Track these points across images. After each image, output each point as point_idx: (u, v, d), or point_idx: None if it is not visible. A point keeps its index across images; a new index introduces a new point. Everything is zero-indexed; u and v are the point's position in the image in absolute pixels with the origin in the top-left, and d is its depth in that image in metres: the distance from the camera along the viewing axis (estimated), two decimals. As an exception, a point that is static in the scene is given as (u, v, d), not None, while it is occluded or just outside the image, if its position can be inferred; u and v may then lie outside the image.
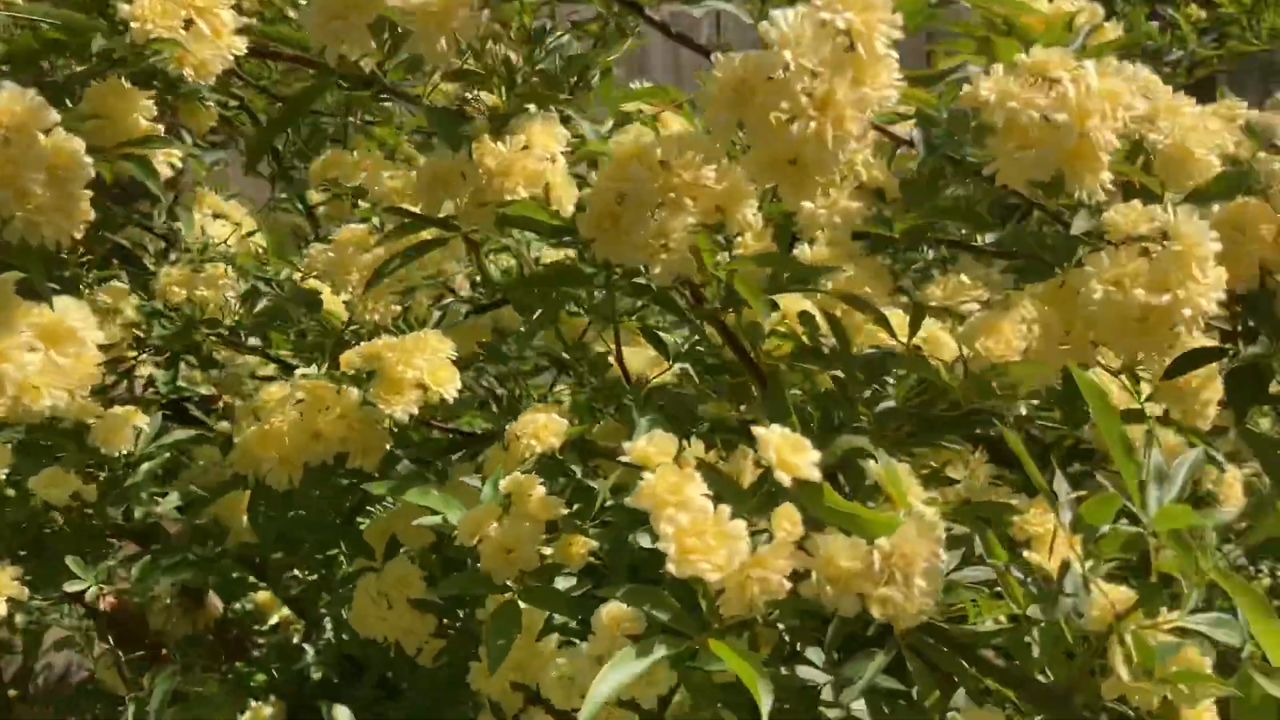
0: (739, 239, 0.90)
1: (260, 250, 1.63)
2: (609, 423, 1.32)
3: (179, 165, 1.01)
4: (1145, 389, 1.17)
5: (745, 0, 0.82)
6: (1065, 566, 0.80)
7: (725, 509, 0.74)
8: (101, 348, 1.05)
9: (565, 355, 1.37)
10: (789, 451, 0.76)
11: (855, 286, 1.12)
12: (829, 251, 1.15)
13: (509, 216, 0.90)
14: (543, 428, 1.20)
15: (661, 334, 1.11)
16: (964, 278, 0.95)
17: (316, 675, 2.18)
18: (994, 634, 0.83)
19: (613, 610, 0.87)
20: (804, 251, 1.14)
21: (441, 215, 0.96)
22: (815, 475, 0.77)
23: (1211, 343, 1.06)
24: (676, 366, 1.28)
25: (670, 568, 0.72)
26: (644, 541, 1.00)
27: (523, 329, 1.42)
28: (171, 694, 1.20)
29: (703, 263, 0.84)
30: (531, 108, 0.96)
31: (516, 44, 0.97)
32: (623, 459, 0.78)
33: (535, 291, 0.96)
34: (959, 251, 1.32)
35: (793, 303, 1.02)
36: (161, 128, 0.96)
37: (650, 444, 0.78)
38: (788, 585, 0.76)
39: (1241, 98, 1.07)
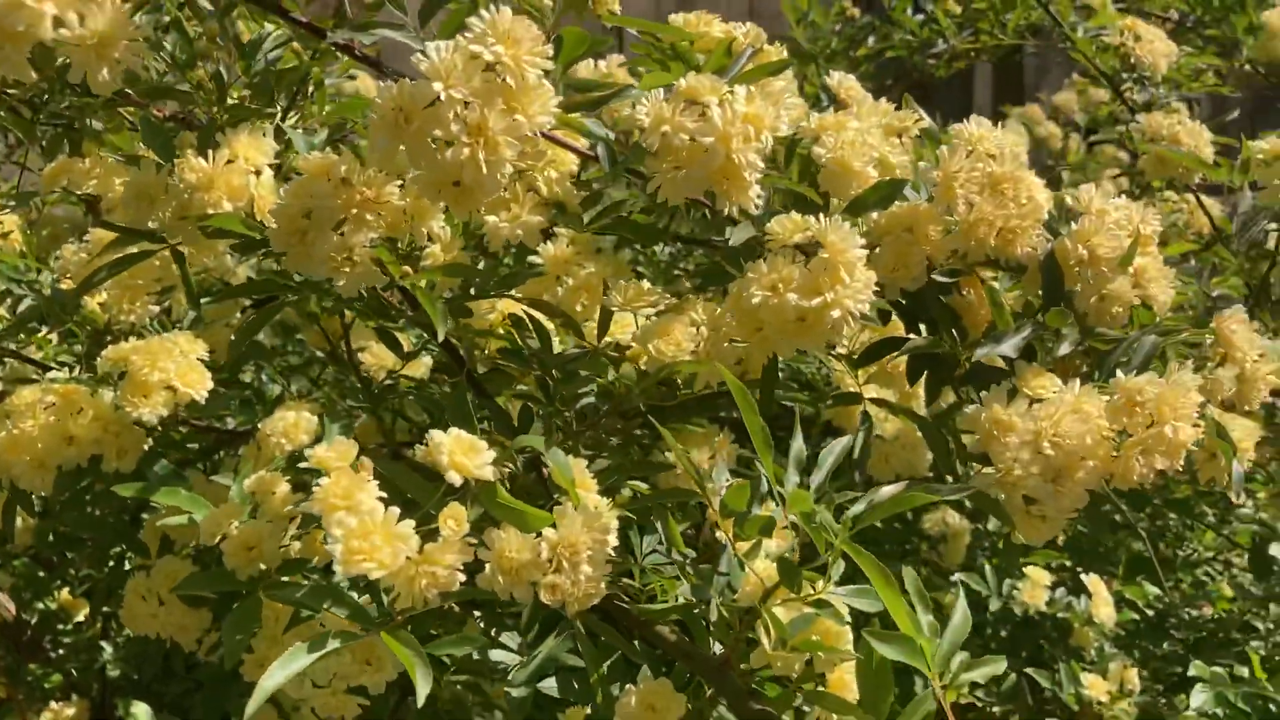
0: (429, 250, 0.95)
1: (19, 248, 1.60)
2: (367, 420, 1.36)
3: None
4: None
5: (415, 30, 0.86)
6: (720, 547, 0.88)
7: (395, 511, 0.80)
8: None
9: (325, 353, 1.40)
10: (461, 453, 0.82)
11: (596, 281, 1.19)
12: (570, 251, 1.21)
13: (211, 229, 0.92)
14: (293, 426, 1.23)
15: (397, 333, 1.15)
16: (645, 284, 1.02)
17: (114, 673, 2.16)
18: (668, 611, 0.90)
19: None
20: (546, 249, 1.20)
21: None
22: (488, 475, 0.82)
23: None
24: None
25: (337, 569, 0.77)
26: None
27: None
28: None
29: (390, 274, 0.89)
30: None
31: (227, 58, 0.99)
32: (301, 464, 0.82)
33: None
34: (695, 246, 1.40)
35: (509, 305, 1.08)
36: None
37: (330, 450, 0.83)
38: (461, 578, 0.82)
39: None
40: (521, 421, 0.98)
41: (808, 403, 1.54)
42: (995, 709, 1.81)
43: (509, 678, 0.89)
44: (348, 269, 0.87)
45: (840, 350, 1.31)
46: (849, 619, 0.88)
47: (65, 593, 2.23)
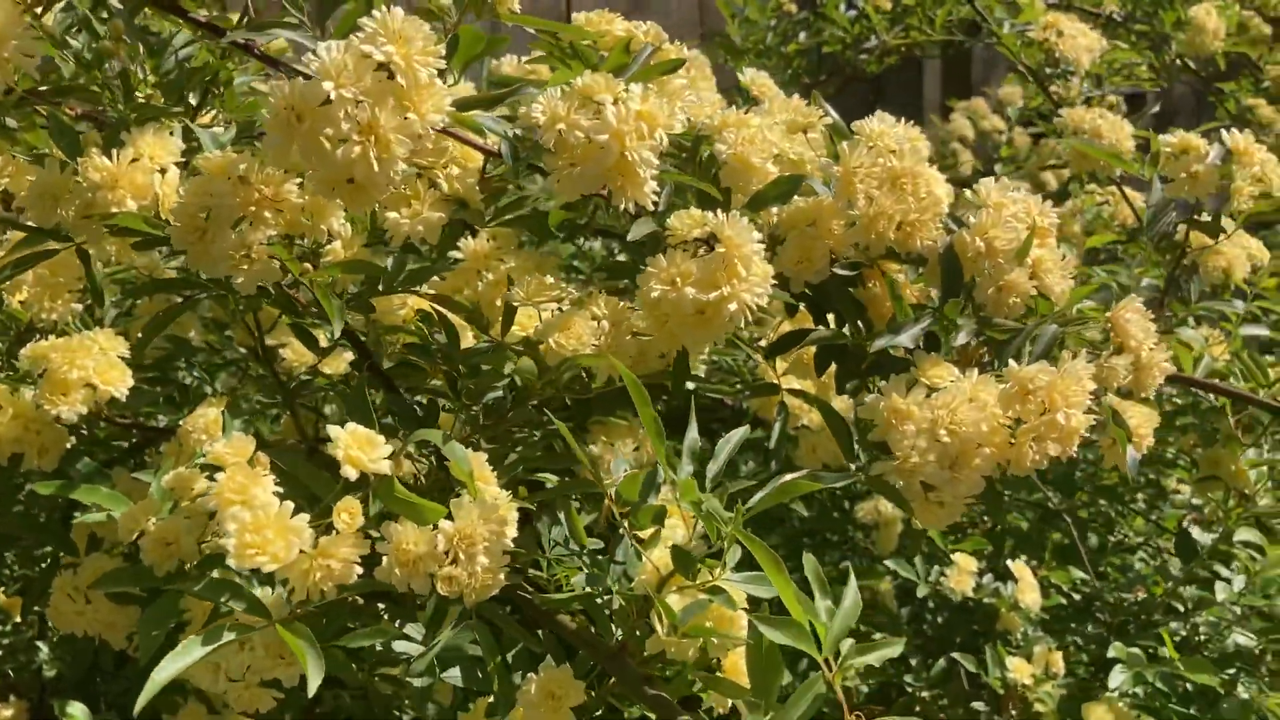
0: (329, 248, 0.96)
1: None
2: (289, 419, 1.36)
3: None
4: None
5: (312, 31, 0.87)
6: (619, 536, 0.90)
7: (289, 506, 0.81)
8: None
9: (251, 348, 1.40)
10: (357, 447, 0.83)
11: (519, 275, 1.20)
12: (491, 246, 1.22)
13: (114, 227, 0.93)
14: (213, 422, 1.23)
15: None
16: (548, 279, 1.03)
17: (51, 673, 2.16)
18: (569, 600, 0.92)
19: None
20: (466, 244, 1.21)
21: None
22: (384, 469, 0.84)
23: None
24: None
25: (230, 563, 0.78)
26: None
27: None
28: None
29: (290, 271, 0.90)
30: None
31: (134, 56, 0.99)
32: (199, 461, 0.83)
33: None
34: (609, 238, 1.42)
35: (418, 301, 1.09)
36: None
37: (226, 446, 0.84)
38: (359, 571, 0.83)
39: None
40: (427, 416, 1.00)
41: (733, 394, 1.57)
42: (924, 693, 1.85)
43: (411, 668, 0.90)
44: (245, 266, 0.88)
45: (764, 343, 1.34)
46: (746, 606, 0.90)
47: (1, 593, 2.22)
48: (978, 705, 1.82)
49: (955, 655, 1.82)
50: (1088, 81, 1.96)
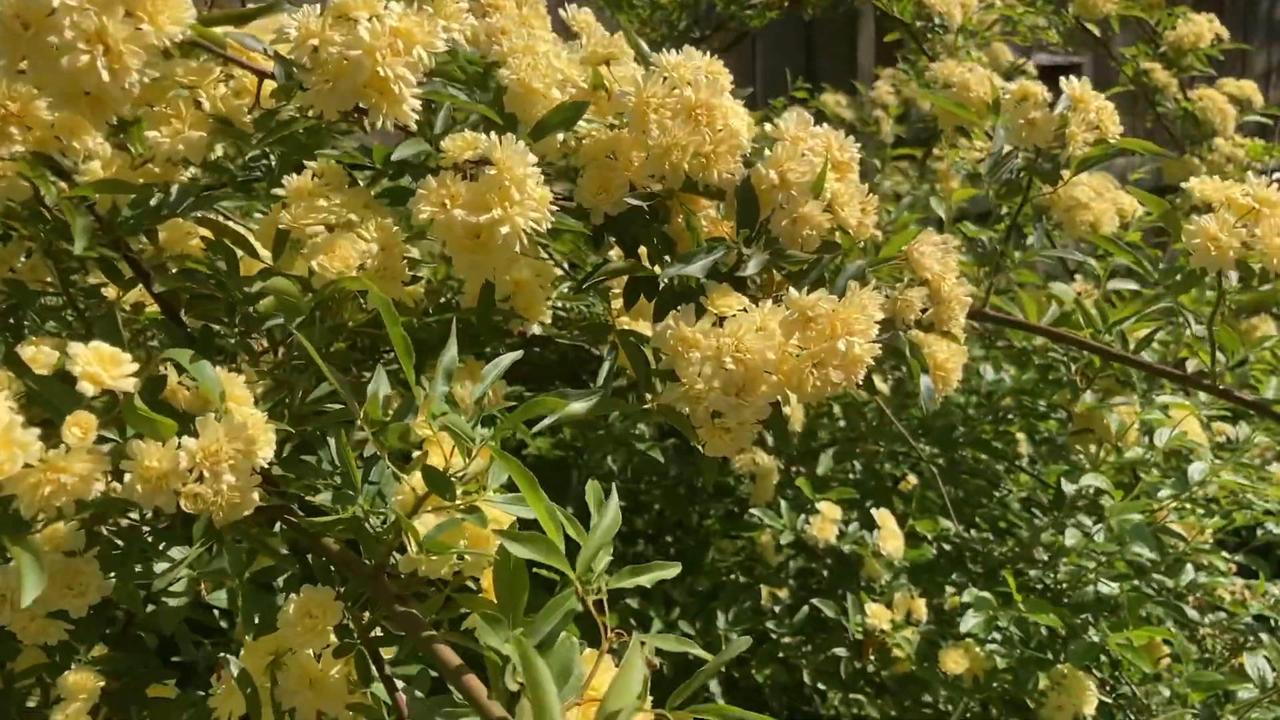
0: (86, 166, 0.95)
1: None
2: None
3: None
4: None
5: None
6: (374, 459, 0.90)
7: (17, 419, 0.80)
8: None
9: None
10: (98, 364, 0.82)
11: (342, 214, 1.19)
12: (314, 184, 1.21)
13: None
14: (31, 360, 1.22)
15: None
16: (321, 201, 1.03)
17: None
18: (335, 523, 0.92)
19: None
20: (290, 180, 1.19)
21: None
22: (125, 386, 0.83)
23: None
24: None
25: (-49, 474, 0.77)
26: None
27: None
28: None
29: (45, 191, 0.89)
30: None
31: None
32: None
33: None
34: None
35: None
36: None
37: (-40, 362, 0.83)
38: (100, 487, 0.82)
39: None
40: (201, 342, 0.99)
41: (568, 340, 1.57)
42: (786, 639, 1.87)
43: (166, 589, 0.90)
44: (-8, 182, 0.87)
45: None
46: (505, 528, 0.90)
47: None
48: (839, 651, 1.85)
49: (815, 601, 1.84)
50: (962, 35, 1.97)
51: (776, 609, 1.91)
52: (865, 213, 1.13)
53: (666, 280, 1.08)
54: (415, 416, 0.89)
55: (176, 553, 0.92)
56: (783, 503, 1.93)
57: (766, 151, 1.09)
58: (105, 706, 1.08)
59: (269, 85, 1.00)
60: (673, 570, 0.97)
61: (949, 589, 2.02)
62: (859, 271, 1.12)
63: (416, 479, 0.89)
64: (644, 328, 1.37)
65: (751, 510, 1.94)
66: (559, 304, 1.60)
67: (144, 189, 0.93)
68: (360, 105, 0.90)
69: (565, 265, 1.44)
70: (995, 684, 1.72)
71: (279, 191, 1.14)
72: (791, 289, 1.02)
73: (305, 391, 0.97)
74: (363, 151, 1.17)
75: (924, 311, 1.14)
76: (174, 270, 1.05)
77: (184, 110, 0.91)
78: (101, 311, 0.87)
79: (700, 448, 1.04)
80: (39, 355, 1.23)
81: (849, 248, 1.13)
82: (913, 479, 2.32)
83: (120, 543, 1.01)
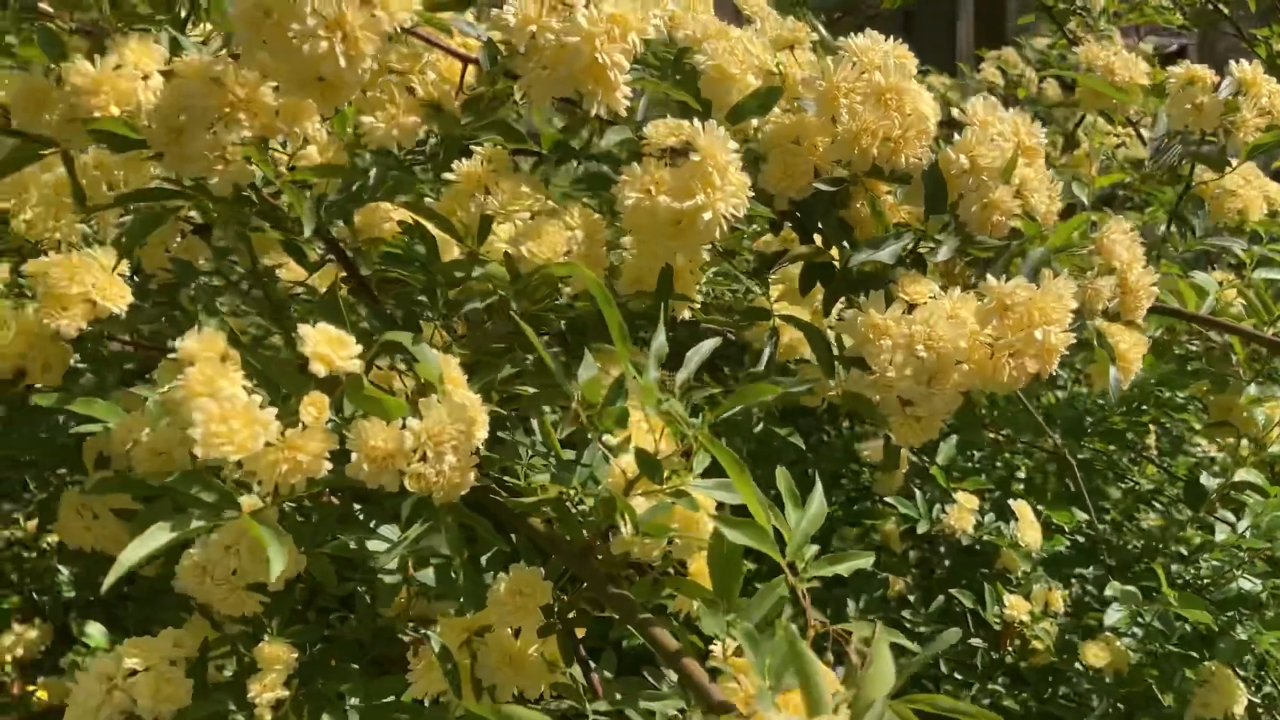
0: (302, 152, 0.97)
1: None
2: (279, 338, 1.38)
3: None
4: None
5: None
6: (587, 440, 0.91)
7: (256, 398, 0.82)
8: None
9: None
10: (326, 345, 0.84)
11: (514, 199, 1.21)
12: (481, 169, 1.23)
13: (96, 131, 0.94)
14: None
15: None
16: (524, 188, 1.04)
17: (70, 594, 2.21)
18: (539, 504, 0.93)
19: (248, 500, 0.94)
20: (460, 166, 1.21)
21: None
22: (352, 367, 0.85)
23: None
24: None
25: (197, 451, 0.80)
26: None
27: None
28: None
29: (265, 174, 0.91)
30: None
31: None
32: (169, 356, 0.84)
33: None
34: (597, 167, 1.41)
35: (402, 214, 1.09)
36: None
37: (197, 341, 0.85)
38: (328, 466, 0.85)
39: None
40: (406, 325, 1.01)
41: (726, 325, 1.57)
42: (922, 629, 1.86)
43: (380, 565, 0.92)
44: (220, 167, 0.89)
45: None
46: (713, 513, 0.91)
47: (32, 521, 2.28)
48: (975, 641, 1.83)
49: (953, 591, 1.82)
50: (1104, 19, 1.93)
51: (911, 597, 1.90)
52: (1052, 199, 1.12)
53: (851, 266, 1.07)
54: (625, 400, 0.90)
55: (387, 530, 0.94)
56: (917, 492, 1.91)
57: (956, 136, 1.08)
58: (295, 678, 1.11)
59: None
60: (866, 559, 0.97)
61: (1076, 581, 2.00)
62: (1043, 259, 1.11)
63: (625, 461, 0.90)
64: (801, 313, 1.37)
65: (886, 499, 1.93)
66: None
67: (354, 172, 0.95)
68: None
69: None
70: (1139, 680, 1.70)
71: (449, 176, 1.16)
72: (990, 277, 1.01)
73: (507, 379, 0.98)
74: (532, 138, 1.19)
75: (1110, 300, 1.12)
76: (368, 254, 1.07)
77: (397, 96, 0.93)
78: (326, 293, 0.89)
79: (890, 436, 1.04)
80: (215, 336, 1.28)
81: (1033, 234, 1.12)
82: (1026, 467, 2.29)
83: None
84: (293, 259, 1.18)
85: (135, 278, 1.43)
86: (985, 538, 1.85)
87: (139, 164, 1.25)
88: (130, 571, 1.67)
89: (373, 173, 1.02)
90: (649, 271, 1.11)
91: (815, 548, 0.89)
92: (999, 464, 2.26)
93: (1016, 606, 1.77)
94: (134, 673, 1.07)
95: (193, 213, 1.39)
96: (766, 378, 1.27)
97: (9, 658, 2.21)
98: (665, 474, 0.88)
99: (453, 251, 1.09)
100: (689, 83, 1.03)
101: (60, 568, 2.22)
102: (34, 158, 0.99)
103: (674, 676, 1.00)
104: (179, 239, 1.71)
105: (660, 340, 0.89)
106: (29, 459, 1.92)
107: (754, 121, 1.04)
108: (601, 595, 0.87)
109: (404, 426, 0.85)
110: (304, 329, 0.85)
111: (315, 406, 0.83)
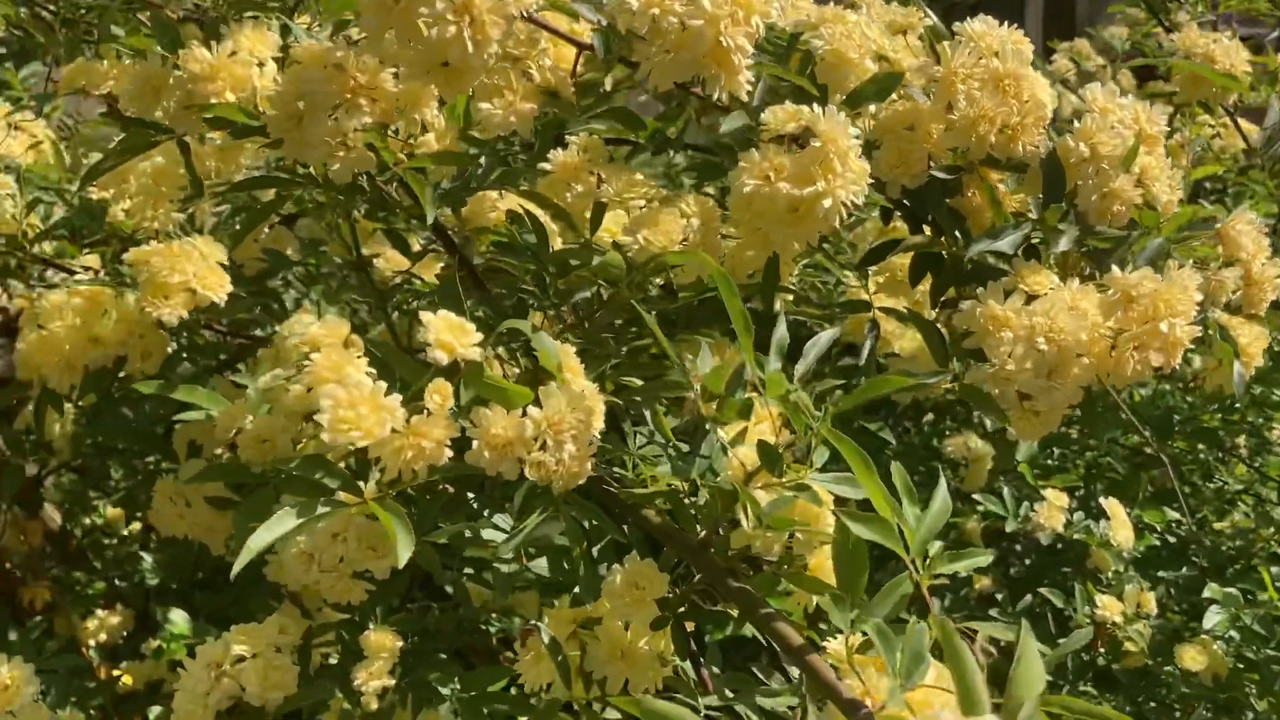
0: (421, 139, 0.96)
1: (49, 162, 1.64)
2: (383, 328, 1.38)
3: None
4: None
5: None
6: (705, 432, 0.89)
7: (382, 385, 0.82)
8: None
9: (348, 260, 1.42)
10: (448, 333, 0.84)
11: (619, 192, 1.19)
12: (580, 158, 1.22)
13: (213, 118, 0.94)
14: (309, 329, 1.26)
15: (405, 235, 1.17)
16: (637, 175, 1.02)
17: (154, 581, 2.24)
18: (654, 495, 0.92)
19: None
20: (556, 155, 1.20)
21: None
22: (474, 355, 0.84)
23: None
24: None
25: (324, 436, 0.80)
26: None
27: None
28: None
29: (384, 161, 0.91)
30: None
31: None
32: (289, 340, 0.84)
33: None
34: (704, 155, 1.40)
35: (509, 202, 1.09)
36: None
37: (320, 328, 0.85)
38: (449, 454, 0.84)
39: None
40: (516, 313, 1.00)
41: (821, 317, 1.55)
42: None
43: (497, 553, 0.92)
44: (341, 154, 0.88)
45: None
46: (832, 508, 0.89)
47: (110, 507, 2.32)
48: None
49: (1043, 590, 1.79)
50: (1203, 6, 1.87)
51: (999, 596, 1.87)
52: (1173, 189, 1.09)
53: (968, 256, 1.05)
54: (744, 391, 0.88)
55: (500, 520, 0.94)
56: (1005, 489, 1.88)
57: (1075, 123, 1.05)
58: (399, 666, 1.11)
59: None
60: (986, 556, 0.95)
61: (1164, 582, 1.95)
62: (1162, 249, 1.07)
63: (744, 453, 0.88)
64: (900, 305, 1.34)
65: (973, 495, 1.90)
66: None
67: (469, 159, 0.94)
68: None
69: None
70: (1237, 684, 1.65)
71: (545, 166, 1.15)
72: (1115, 268, 0.98)
73: (615, 368, 0.97)
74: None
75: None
76: (474, 242, 1.07)
77: (514, 82, 0.92)
78: (444, 281, 0.89)
79: (1010, 433, 1.01)
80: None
81: (1151, 225, 1.09)
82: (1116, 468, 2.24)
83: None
84: (396, 248, 1.18)
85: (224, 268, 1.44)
86: (1075, 536, 1.81)
87: (233, 153, 1.26)
88: (215, 561, 1.68)
89: (483, 160, 1.01)
90: (749, 261, 1.09)
91: (940, 544, 0.87)
92: (1080, 461, 2.21)
93: (1109, 607, 1.73)
94: (241, 659, 1.07)
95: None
96: (870, 371, 1.25)
97: (92, 642, 2.25)
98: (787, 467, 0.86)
99: (557, 241, 1.08)
100: (803, 70, 1.01)
101: (144, 555, 2.25)
102: (147, 146, 1.00)
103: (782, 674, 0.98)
104: (267, 230, 1.73)
105: (781, 331, 0.88)
106: (119, 446, 1.95)
107: (871, 108, 1.01)
108: (721, 589, 0.86)
109: (524, 415, 0.84)
110: (426, 316, 0.84)
111: (440, 394, 0.82)
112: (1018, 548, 2.10)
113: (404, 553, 0.78)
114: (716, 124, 1.02)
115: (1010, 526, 1.84)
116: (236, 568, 0.78)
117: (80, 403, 1.52)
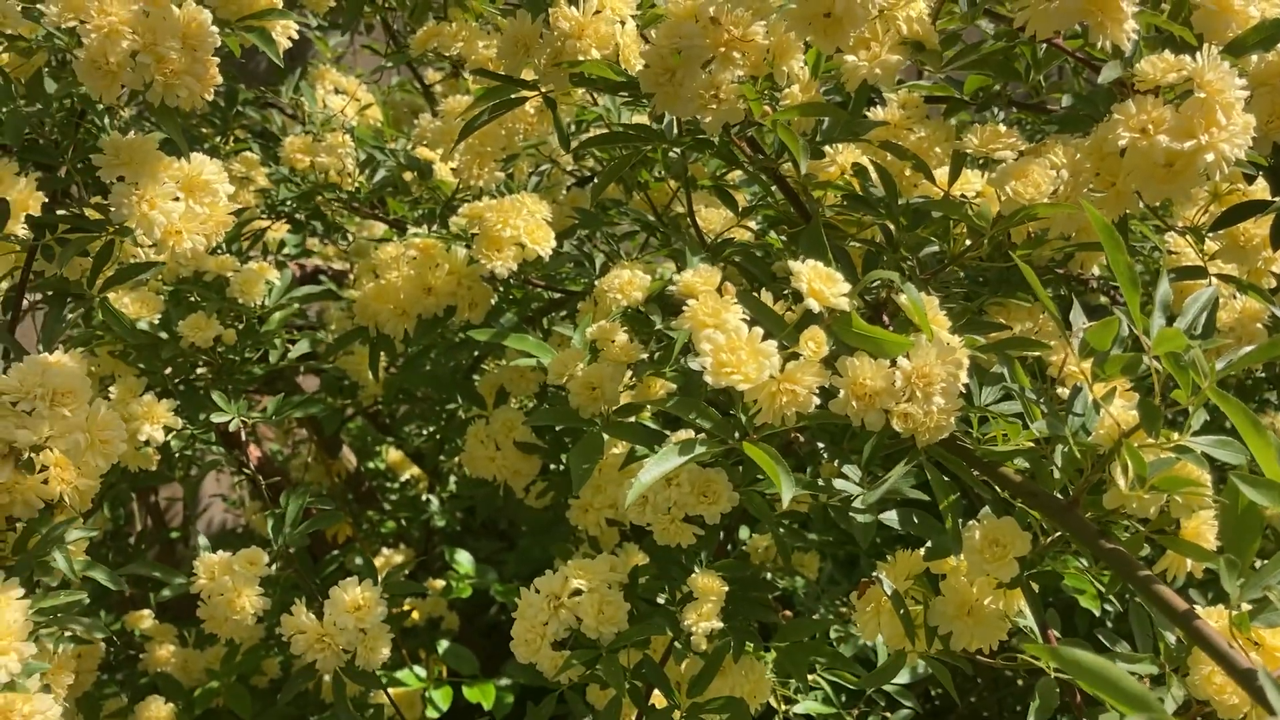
0: (787, 90, 0.97)
1: (377, 122, 1.75)
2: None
3: (295, 37, 1.12)
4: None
5: None
6: (1076, 389, 0.87)
7: (759, 331, 0.84)
8: (235, 213, 1.19)
9: (650, 220, 1.47)
10: (819, 281, 0.85)
11: (925, 148, 1.19)
12: (899, 115, 1.21)
13: (581, 75, 0.99)
14: (627, 283, 1.30)
15: (732, 191, 1.19)
16: (1001, 126, 1.00)
17: (441, 523, 2.38)
18: (1013, 454, 0.91)
19: (679, 435, 0.98)
20: (876, 113, 1.20)
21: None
22: (843, 304, 0.85)
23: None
24: (753, 225, 1.37)
25: (707, 379, 0.82)
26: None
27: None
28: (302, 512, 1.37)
29: (752, 113, 0.92)
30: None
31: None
32: (670, 289, 0.87)
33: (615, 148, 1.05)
34: (1027, 112, 1.36)
35: (850, 155, 1.09)
36: (280, 2, 1.08)
37: (695, 275, 0.88)
38: (817, 400, 0.85)
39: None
40: (866, 266, 1.00)
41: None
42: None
43: (854, 504, 0.93)
44: (714, 106, 0.91)
45: (1183, 224, 1.26)
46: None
47: (393, 453, 2.47)
48: None
49: None
50: None
51: None
52: None
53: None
54: (1121, 348, 0.86)
55: (850, 471, 0.95)
56: None
57: None
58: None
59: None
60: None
61: None
62: None
63: (1119, 411, 0.86)
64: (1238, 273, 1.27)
65: None
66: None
67: (837, 110, 0.95)
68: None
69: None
70: None
71: (869, 118, 1.15)
72: None
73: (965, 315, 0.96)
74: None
75: None
76: (814, 197, 1.07)
77: (880, 33, 0.92)
78: (809, 230, 0.90)
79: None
80: (634, 277, 1.32)
81: None
82: None
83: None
84: (725, 204, 1.21)
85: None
86: None
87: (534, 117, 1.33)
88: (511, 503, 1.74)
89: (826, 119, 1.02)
90: (1069, 221, 1.05)
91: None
92: None
93: None
94: (578, 592, 1.13)
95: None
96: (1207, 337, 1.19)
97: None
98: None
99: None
100: (1177, 14, 0.96)
101: (429, 498, 2.40)
102: (516, 102, 1.05)
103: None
104: (564, 191, 1.79)
105: (1165, 287, 0.84)
106: (418, 393, 2.08)
107: (1253, 58, 0.96)
108: (1094, 549, 0.84)
109: (893, 365, 0.85)
110: (795, 265, 0.86)
111: (815, 341, 0.83)
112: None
113: (788, 492, 0.80)
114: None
115: None
116: (630, 500, 0.82)
117: (410, 348, 1.63)
